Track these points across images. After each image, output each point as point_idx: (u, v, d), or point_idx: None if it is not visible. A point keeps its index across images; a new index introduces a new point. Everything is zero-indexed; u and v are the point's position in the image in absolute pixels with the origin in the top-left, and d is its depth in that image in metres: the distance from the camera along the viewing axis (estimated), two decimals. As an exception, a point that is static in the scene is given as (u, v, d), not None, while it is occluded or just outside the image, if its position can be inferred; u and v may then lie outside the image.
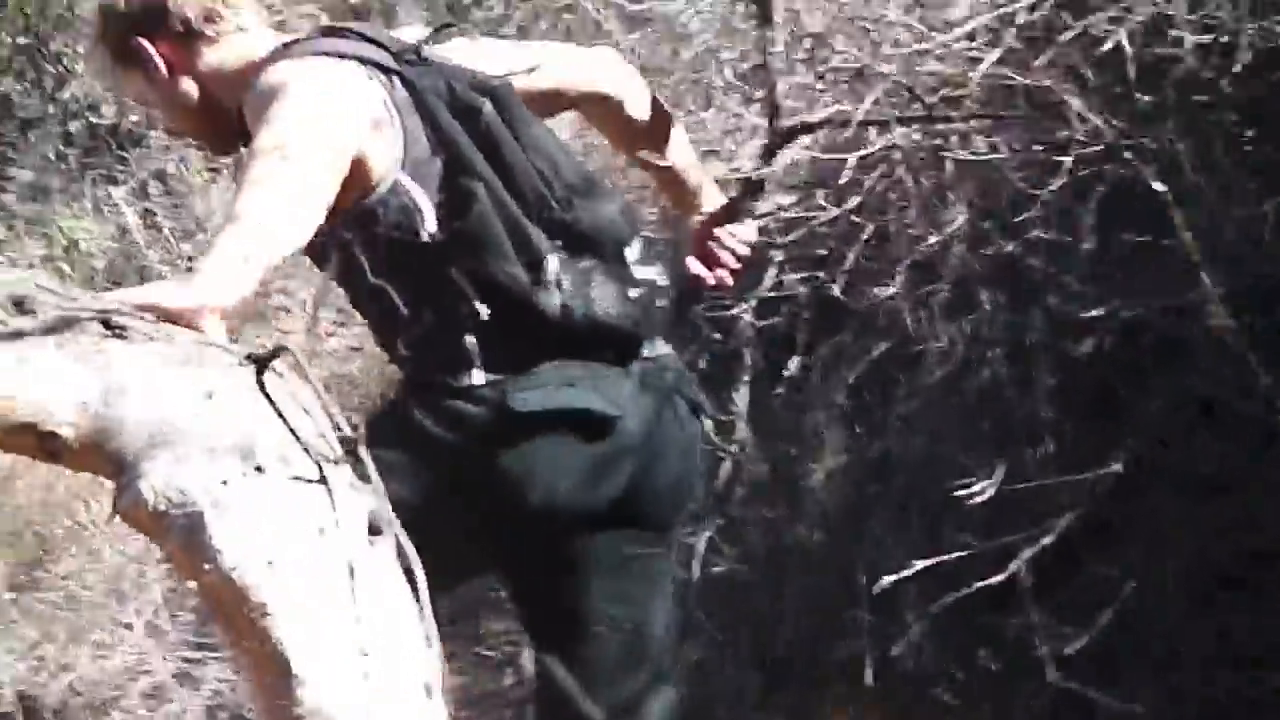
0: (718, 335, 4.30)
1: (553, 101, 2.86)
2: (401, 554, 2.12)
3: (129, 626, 4.41)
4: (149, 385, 2.10)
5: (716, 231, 3.01)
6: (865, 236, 4.08)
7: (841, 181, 4.01)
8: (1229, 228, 3.76)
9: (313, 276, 4.71)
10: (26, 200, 8.72)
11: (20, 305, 2.14)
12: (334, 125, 2.51)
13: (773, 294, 4.23)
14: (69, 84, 8.72)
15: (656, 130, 2.95)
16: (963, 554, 3.68)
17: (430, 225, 2.63)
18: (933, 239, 3.99)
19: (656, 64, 4.70)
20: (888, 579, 3.62)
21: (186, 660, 4.40)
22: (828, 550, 4.14)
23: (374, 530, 2.13)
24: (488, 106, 2.66)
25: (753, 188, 3.12)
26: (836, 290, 4.06)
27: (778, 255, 4.19)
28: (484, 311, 2.62)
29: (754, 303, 4.20)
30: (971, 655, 3.89)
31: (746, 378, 4.24)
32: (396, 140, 2.63)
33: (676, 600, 2.94)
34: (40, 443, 2.09)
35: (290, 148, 2.42)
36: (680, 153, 3.04)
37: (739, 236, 3.02)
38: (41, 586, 4.57)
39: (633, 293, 2.69)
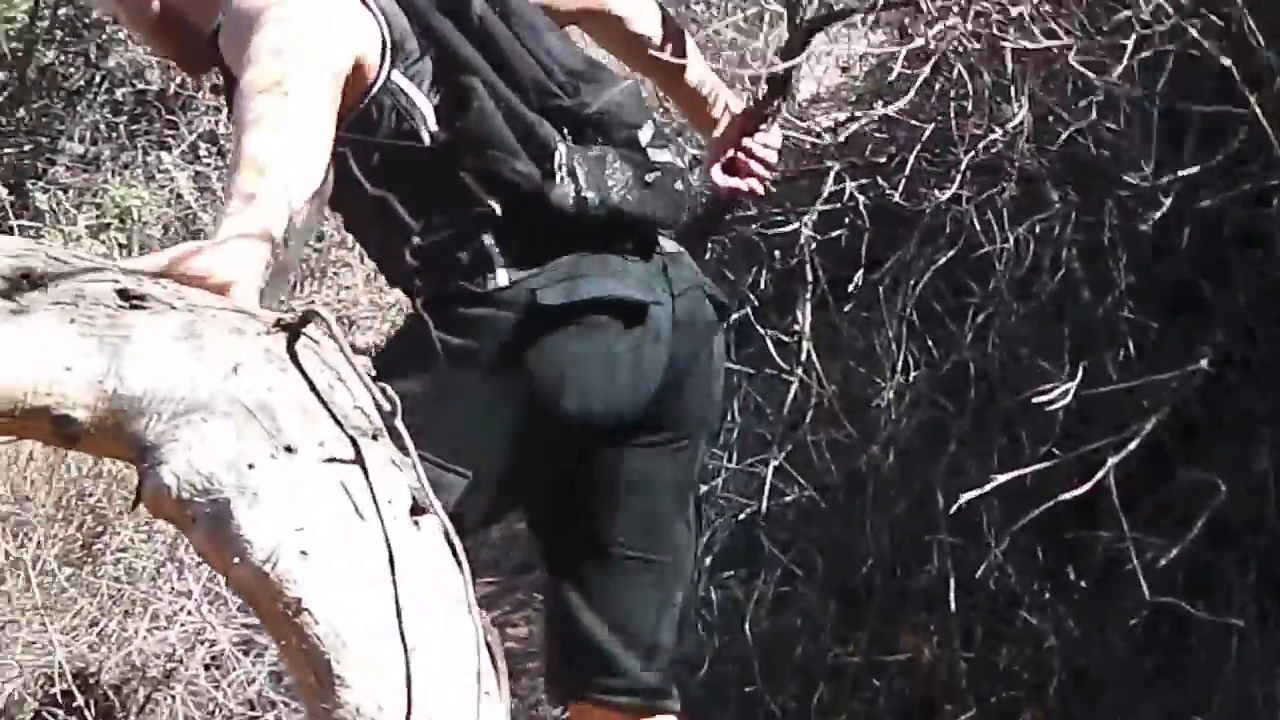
0: (777, 252, 4.03)
1: (554, 15, 2.68)
2: (447, 535, 1.89)
3: (188, 594, 4.22)
4: (170, 360, 1.90)
5: (744, 140, 2.82)
6: (924, 138, 3.78)
7: (893, 80, 3.72)
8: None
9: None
10: (77, 171, 8.61)
11: (28, 278, 1.93)
12: (327, 46, 2.27)
13: (831, 205, 3.95)
14: (113, 52, 8.56)
15: (668, 43, 2.79)
16: (1042, 466, 3.39)
17: (431, 125, 2.45)
18: (994, 136, 3.69)
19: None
20: (965, 496, 3.34)
21: (247, 627, 4.23)
22: (903, 472, 3.90)
23: (417, 510, 1.90)
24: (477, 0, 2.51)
25: (777, 88, 2.89)
26: (897, 197, 3.77)
27: (834, 165, 3.91)
28: (498, 209, 2.43)
29: (813, 216, 3.93)
30: (1059, 574, 3.65)
31: (809, 295, 3.96)
32: (384, 41, 2.44)
33: (696, 520, 2.74)
34: (55, 427, 1.90)
35: (290, 81, 2.18)
36: (694, 65, 2.87)
37: (766, 143, 2.84)
38: (97, 561, 4.39)
39: (650, 177, 2.50)
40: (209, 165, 8.08)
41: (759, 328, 4.12)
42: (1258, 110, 3.46)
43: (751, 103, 2.90)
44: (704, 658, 4.09)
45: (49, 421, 1.87)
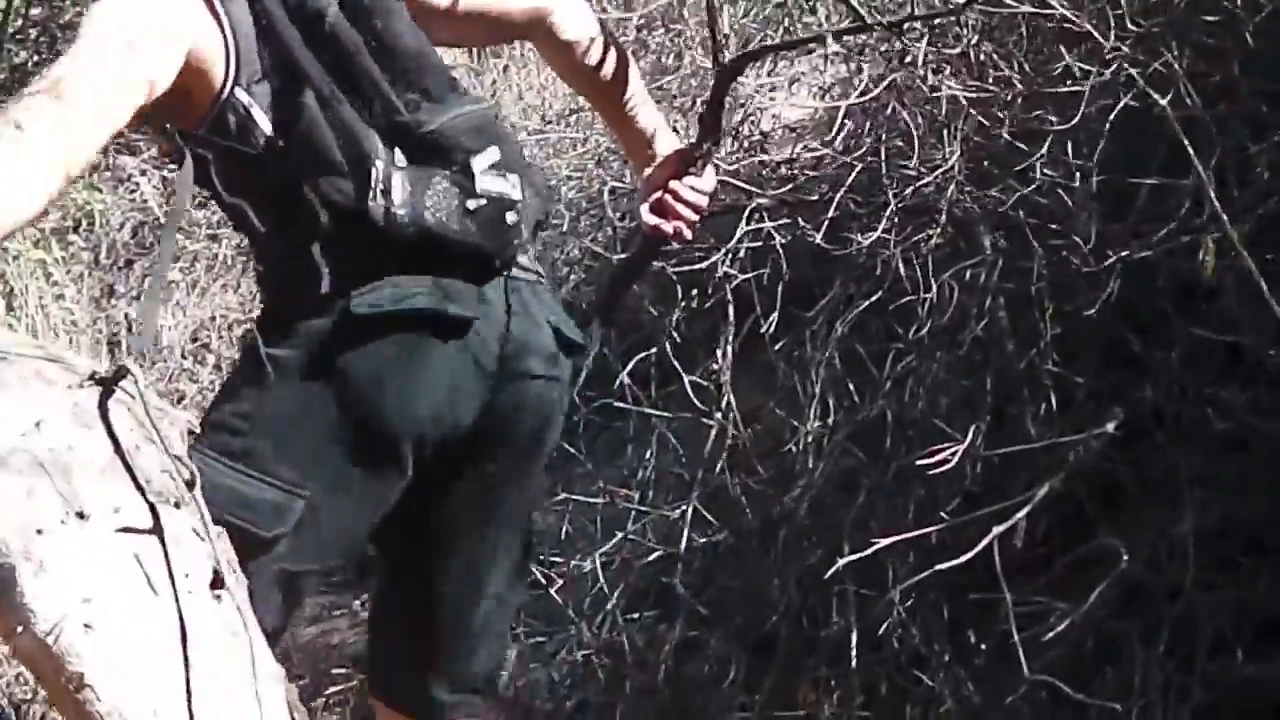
0: (694, 291, 3.98)
1: (490, 25, 2.79)
2: (244, 610, 1.84)
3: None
4: (-33, 414, 1.80)
5: (671, 182, 2.81)
6: (852, 179, 3.73)
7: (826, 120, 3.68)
8: (1245, 157, 3.39)
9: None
10: (42, 173, 8.53)
11: None
12: (126, 56, 2.31)
13: (754, 244, 3.90)
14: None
15: (608, 69, 2.80)
16: (947, 524, 3.34)
17: (266, 135, 2.47)
18: (925, 180, 3.64)
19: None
20: (866, 551, 3.30)
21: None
22: (816, 520, 3.83)
23: (217, 583, 1.83)
24: (332, 10, 2.51)
25: (707, 130, 2.85)
26: (819, 238, 3.73)
27: (751, 202, 3.86)
28: (325, 222, 2.46)
29: (732, 254, 3.87)
30: (961, 635, 3.57)
31: (729, 336, 3.91)
32: (229, 53, 2.47)
33: (525, 550, 2.83)
34: None
35: (133, 34, 2.30)
36: (636, 100, 2.86)
37: (695, 185, 2.82)
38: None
39: (472, 204, 2.50)
40: (175, 170, 8.02)
41: (678, 368, 4.05)
42: (1195, 161, 3.39)
43: (683, 145, 2.89)
44: (615, 701, 4.04)
45: None
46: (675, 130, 3.36)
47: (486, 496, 2.67)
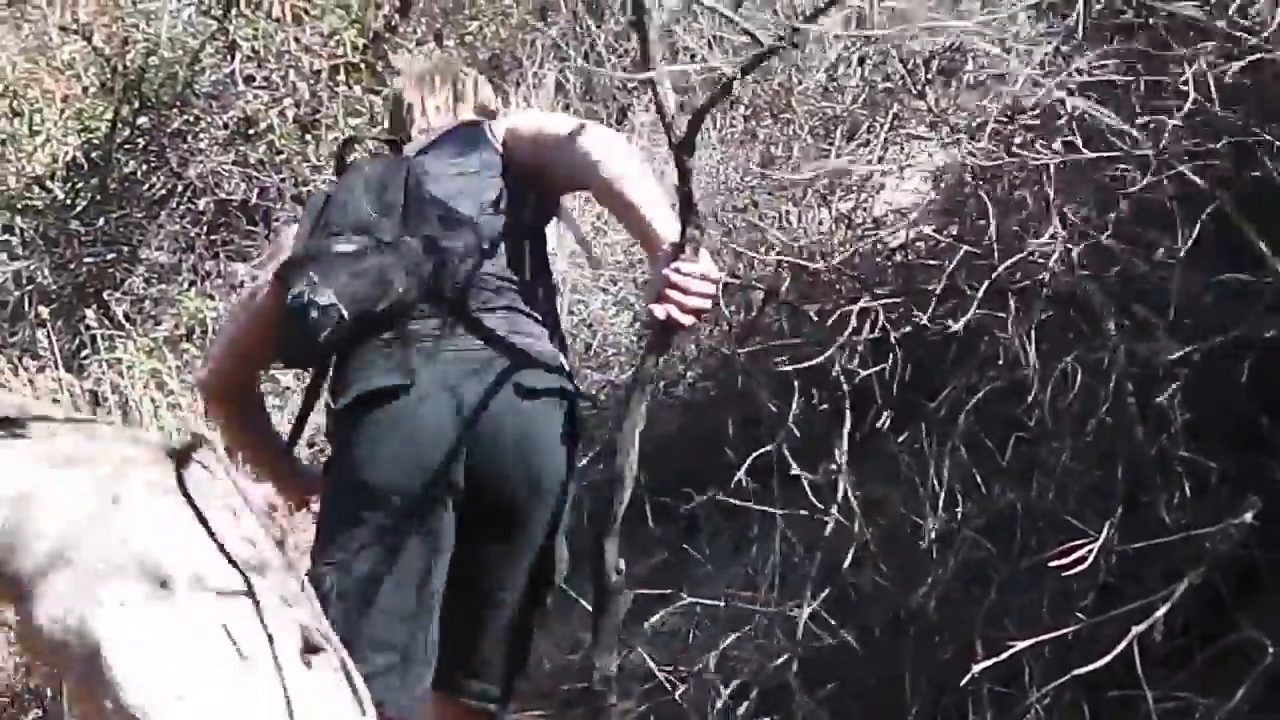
0: (813, 390, 3.95)
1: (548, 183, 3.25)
2: (346, 671, 1.82)
3: None
4: (50, 492, 1.84)
5: (665, 272, 2.88)
6: (967, 263, 3.69)
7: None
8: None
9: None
10: (153, 281, 8.70)
11: (-100, 408, 1.88)
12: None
13: (867, 336, 3.87)
14: (193, 162, 8.68)
15: (624, 180, 3.05)
16: (1085, 623, 3.27)
17: None
18: (1037, 259, 3.61)
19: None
20: (1003, 655, 3.24)
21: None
22: (945, 616, 3.74)
23: (310, 649, 1.82)
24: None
25: (685, 207, 2.84)
26: (927, 323, 3.70)
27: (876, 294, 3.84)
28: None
29: (849, 348, 3.85)
30: (1100, 733, 3.49)
31: (845, 432, 3.87)
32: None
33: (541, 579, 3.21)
34: (-73, 569, 1.82)
35: None
36: (648, 204, 3.02)
37: (684, 270, 2.86)
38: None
39: (358, 267, 3.04)
40: (285, 279, 8.12)
41: (794, 466, 4.02)
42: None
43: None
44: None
45: (-80, 563, 1.83)
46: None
47: (492, 529, 3.10)
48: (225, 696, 1.78)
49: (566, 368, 3.20)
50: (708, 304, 2.88)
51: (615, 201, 3.06)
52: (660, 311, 2.85)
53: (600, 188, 3.09)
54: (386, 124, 3.68)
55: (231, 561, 1.84)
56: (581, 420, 3.21)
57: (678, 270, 2.83)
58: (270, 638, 1.80)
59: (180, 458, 1.88)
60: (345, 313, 2.98)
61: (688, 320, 2.87)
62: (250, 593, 1.83)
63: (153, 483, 1.87)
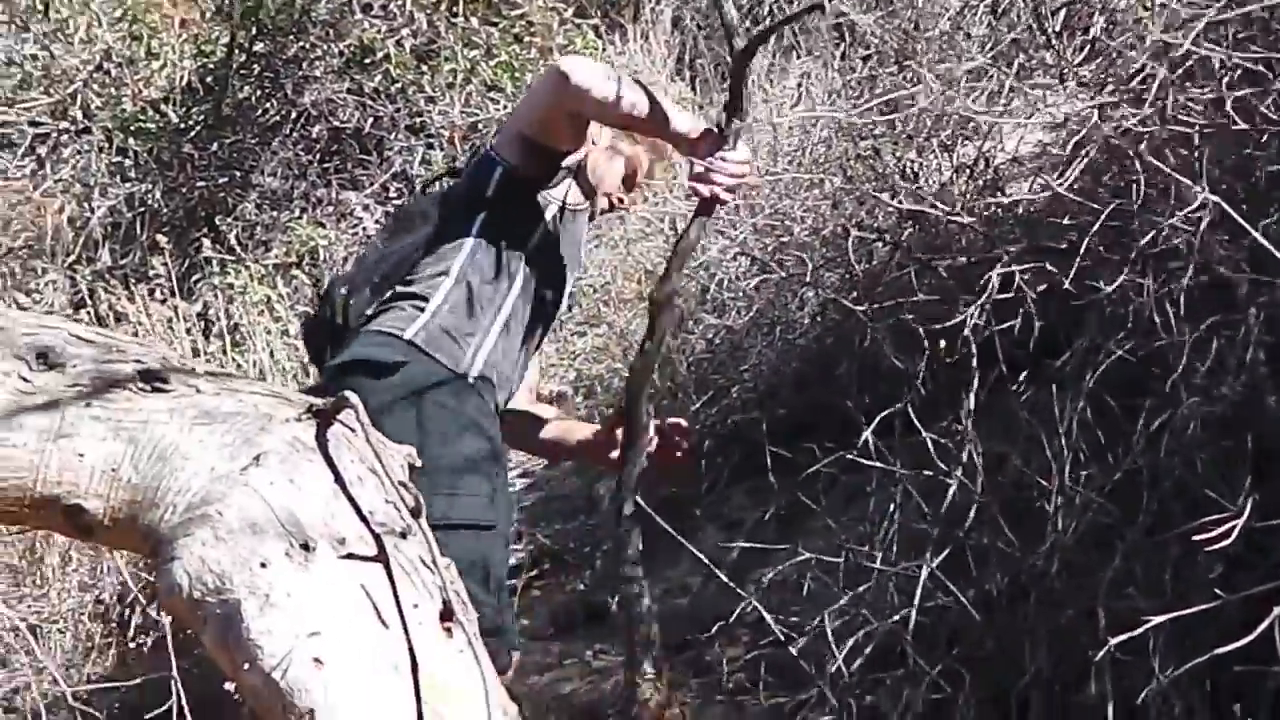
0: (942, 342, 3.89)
1: None
2: (470, 641, 1.81)
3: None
4: (189, 447, 1.83)
5: (707, 159, 3.34)
6: (1101, 222, 3.61)
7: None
8: None
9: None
10: (265, 208, 8.75)
11: (46, 357, 1.89)
12: None
13: (1003, 295, 3.80)
14: (308, 89, 8.70)
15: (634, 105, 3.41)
16: (1221, 600, 3.20)
17: None
18: (1175, 223, 3.52)
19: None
20: (1135, 631, 3.18)
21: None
22: (1067, 585, 3.69)
23: (447, 615, 1.81)
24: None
25: (731, 110, 3.29)
26: (1068, 284, 3.62)
27: (1007, 250, 3.77)
28: None
29: (977, 306, 3.78)
30: (1226, 710, 3.41)
31: (972, 391, 3.82)
32: None
33: None
34: (67, 518, 1.85)
35: None
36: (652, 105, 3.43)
37: (727, 157, 3.32)
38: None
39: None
40: (398, 206, 8.14)
41: (919, 425, 3.98)
42: None
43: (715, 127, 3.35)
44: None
45: (60, 512, 1.84)
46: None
47: None
48: (364, 660, 1.77)
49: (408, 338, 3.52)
50: (747, 182, 3.49)
51: (624, 121, 3.46)
52: (705, 190, 3.31)
53: (600, 113, 3.45)
54: None
55: (371, 526, 1.83)
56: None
57: (722, 158, 3.29)
58: (414, 605, 1.79)
59: (323, 418, 1.87)
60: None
61: (729, 197, 3.36)
62: (390, 558, 1.82)
63: (296, 441, 1.86)
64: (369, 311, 3.57)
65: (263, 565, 1.77)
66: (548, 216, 3.62)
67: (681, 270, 3.37)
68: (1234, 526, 3.13)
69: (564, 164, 3.61)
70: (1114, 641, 3.24)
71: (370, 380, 3.36)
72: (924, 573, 3.87)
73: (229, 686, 1.78)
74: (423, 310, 3.52)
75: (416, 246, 3.60)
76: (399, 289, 3.57)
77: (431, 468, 3.21)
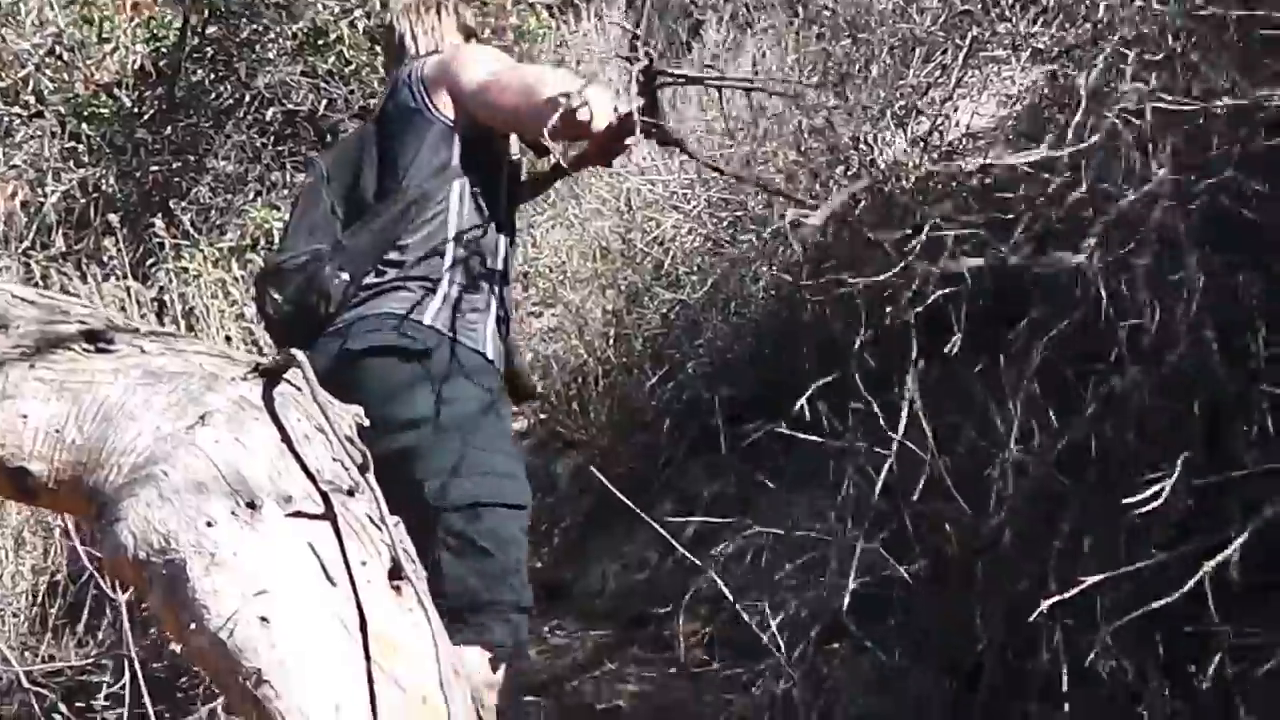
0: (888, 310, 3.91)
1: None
2: (422, 600, 1.82)
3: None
4: (134, 408, 1.82)
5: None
6: (1047, 194, 3.63)
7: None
8: None
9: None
10: (219, 191, 8.72)
11: (-11, 320, 1.88)
12: None
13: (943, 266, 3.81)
14: (261, 72, 8.67)
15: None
16: (1158, 559, 3.23)
17: None
18: (1131, 196, 3.53)
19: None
20: (1073, 591, 3.20)
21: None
22: (1018, 550, 3.71)
23: (396, 573, 1.81)
24: None
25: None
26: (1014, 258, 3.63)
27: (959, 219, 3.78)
28: None
29: (912, 276, 3.80)
30: (1179, 669, 3.45)
31: (912, 358, 3.83)
32: None
33: None
34: (12, 481, 1.84)
35: None
36: None
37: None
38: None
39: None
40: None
41: (863, 393, 3.99)
42: None
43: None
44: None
45: (4, 475, 1.83)
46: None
47: None
48: (312, 619, 1.77)
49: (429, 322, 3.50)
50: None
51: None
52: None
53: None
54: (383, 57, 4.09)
55: (319, 483, 1.83)
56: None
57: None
58: (362, 562, 1.80)
59: (269, 376, 1.87)
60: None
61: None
62: (331, 514, 1.82)
63: (242, 400, 1.86)
64: (363, 295, 3.53)
65: (209, 524, 1.77)
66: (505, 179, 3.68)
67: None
68: (1165, 487, 3.15)
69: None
70: (1048, 601, 3.27)
71: (402, 364, 3.39)
72: (868, 544, 3.89)
73: (175, 648, 1.78)
74: (433, 292, 3.51)
75: (394, 220, 3.55)
76: (395, 271, 3.53)
77: (488, 449, 3.34)
